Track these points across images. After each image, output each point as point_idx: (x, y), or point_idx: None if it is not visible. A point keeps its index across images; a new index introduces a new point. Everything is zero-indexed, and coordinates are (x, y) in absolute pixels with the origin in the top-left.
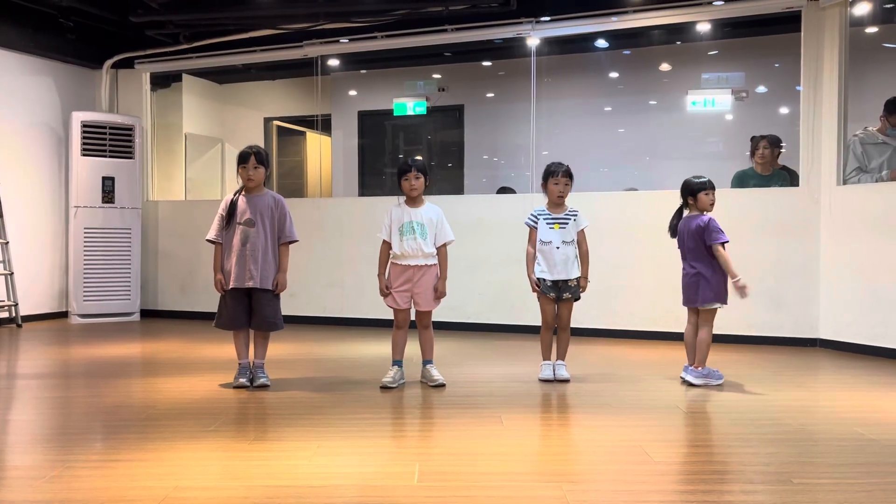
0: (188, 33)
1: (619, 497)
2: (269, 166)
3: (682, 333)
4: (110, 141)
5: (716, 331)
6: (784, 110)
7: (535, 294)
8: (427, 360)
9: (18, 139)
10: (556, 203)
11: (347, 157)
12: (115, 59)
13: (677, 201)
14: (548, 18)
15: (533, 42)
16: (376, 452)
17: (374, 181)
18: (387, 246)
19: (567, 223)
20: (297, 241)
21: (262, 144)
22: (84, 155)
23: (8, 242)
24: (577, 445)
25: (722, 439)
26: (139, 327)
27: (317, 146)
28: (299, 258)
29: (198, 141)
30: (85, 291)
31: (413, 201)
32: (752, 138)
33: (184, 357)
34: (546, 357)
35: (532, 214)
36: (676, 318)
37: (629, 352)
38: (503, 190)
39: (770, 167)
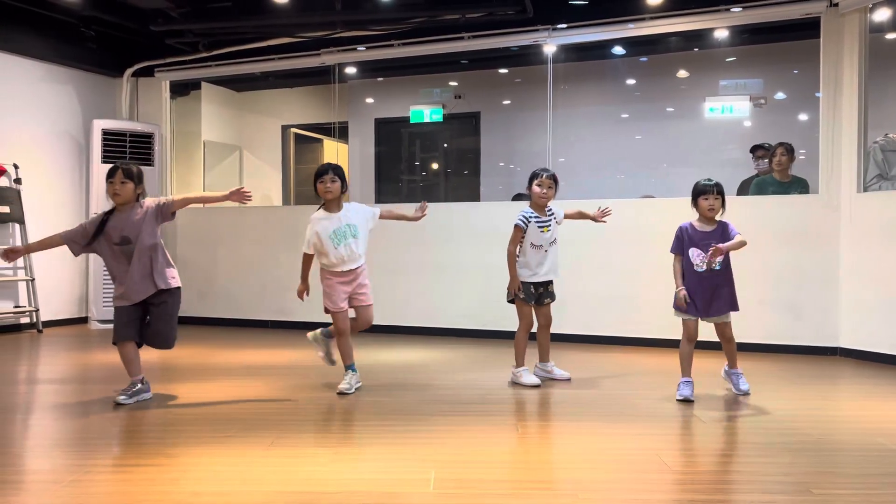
0: (207, 42)
1: None
2: (141, 183)
3: (699, 342)
4: (130, 148)
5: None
6: (803, 117)
7: (515, 298)
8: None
9: (40, 147)
10: (540, 204)
11: (364, 165)
12: (136, 67)
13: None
14: (564, 26)
15: (549, 49)
16: (391, 459)
17: (390, 188)
18: (309, 258)
19: (550, 224)
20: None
21: (279, 152)
22: (105, 162)
23: None
24: (592, 454)
25: (739, 448)
26: None
27: (334, 154)
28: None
29: (216, 148)
30: (104, 297)
31: (331, 205)
32: (759, 147)
33: (201, 363)
34: (522, 362)
35: (523, 215)
36: None
37: (644, 359)
38: (519, 197)
39: (788, 174)
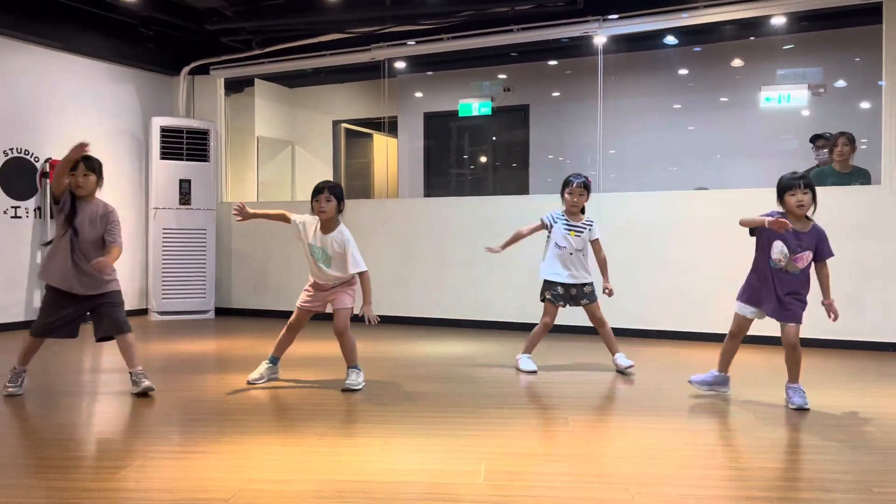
0: (260, 39)
1: (689, 502)
2: (101, 177)
3: (755, 337)
4: (187, 145)
5: None
6: (865, 105)
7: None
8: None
9: (103, 144)
10: (572, 212)
11: (413, 159)
12: (192, 65)
13: (748, 200)
14: (615, 16)
15: (600, 40)
16: (442, 450)
17: (439, 182)
18: (282, 216)
19: (582, 232)
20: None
21: (331, 147)
22: (163, 158)
23: None
24: (646, 448)
25: (797, 446)
26: (213, 325)
27: (384, 148)
28: (366, 258)
29: (269, 144)
30: (163, 290)
31: (324, 225)
32: (819, 136)
33: (256, 354)
34: (529, 351)
35: (552, 215)
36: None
37: (698, 354)
38: None
39: (849, 165)
